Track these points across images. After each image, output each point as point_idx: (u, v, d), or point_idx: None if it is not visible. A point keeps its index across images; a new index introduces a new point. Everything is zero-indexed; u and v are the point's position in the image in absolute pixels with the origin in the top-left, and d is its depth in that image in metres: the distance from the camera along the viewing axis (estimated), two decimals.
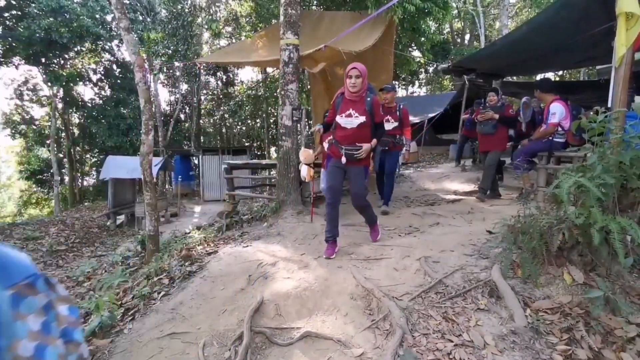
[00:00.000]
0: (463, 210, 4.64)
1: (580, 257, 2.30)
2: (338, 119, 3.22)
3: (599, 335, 1.92)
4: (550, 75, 16.27)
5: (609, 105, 3.06)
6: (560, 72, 16.70)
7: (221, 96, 19.55)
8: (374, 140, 3.24)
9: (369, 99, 3.15)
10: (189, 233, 5.61)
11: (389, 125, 4.67)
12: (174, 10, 12.79)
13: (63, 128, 18.06)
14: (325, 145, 3.44)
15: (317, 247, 3.56)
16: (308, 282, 2.79)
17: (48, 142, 17.43)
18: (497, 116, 5.09)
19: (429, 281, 2.53)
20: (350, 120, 3.14)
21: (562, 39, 5.04)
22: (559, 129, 4.38)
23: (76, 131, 18.86)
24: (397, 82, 19.27)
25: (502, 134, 5.24)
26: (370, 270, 2.84)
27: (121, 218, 10.89)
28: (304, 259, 3.28)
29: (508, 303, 2.18)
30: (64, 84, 14.78)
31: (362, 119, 3.12)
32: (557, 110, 4.35)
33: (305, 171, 4.53)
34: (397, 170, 5.81)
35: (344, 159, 3.18)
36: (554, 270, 2.32)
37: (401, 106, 4.90)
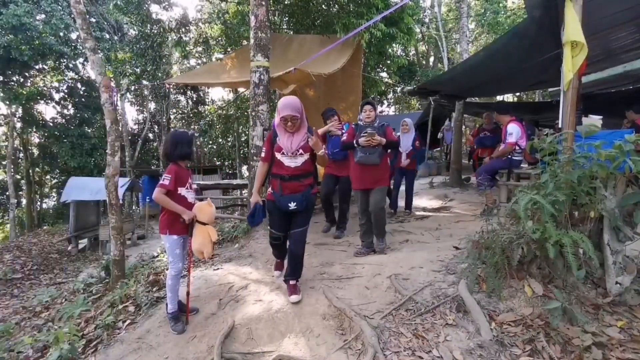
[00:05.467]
0: (431, 227, 4.78)
1: (539, 270, 2.43)
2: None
3: (559, 345, 2.02)
4: (508, 96, 17.30)
5: (560, 125, 3.31)
6: (518, 93, 17.74)
7: (191, 115, 19.30)
8: None
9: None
10: (157, 256, 5.40)
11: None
12: (143, 31, 12.64)
13: (21, 148, 17.21)
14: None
15: None
16: (280, 304, 2.77)
17: (4, 162, 16.50)
18: (384, 140, 3.68)
19: (400, 298, 2.58)
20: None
21: (515, 64, 5.40)
22: (517, 147, 4.66)
23: (36, 151, 18.01)
24: None
25: (386, 164, 3.95)
26: (342, 290, 2.86)
27: (84, 242, 10.35)
28: (275, 281, 3.25)
29: (474, 317, 2.26)
30: (23, 102, 14.15)
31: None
32: (513, 131, 4.64)
33: (201, 239, 2.80)
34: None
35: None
36: (516, 283, 2.43)
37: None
